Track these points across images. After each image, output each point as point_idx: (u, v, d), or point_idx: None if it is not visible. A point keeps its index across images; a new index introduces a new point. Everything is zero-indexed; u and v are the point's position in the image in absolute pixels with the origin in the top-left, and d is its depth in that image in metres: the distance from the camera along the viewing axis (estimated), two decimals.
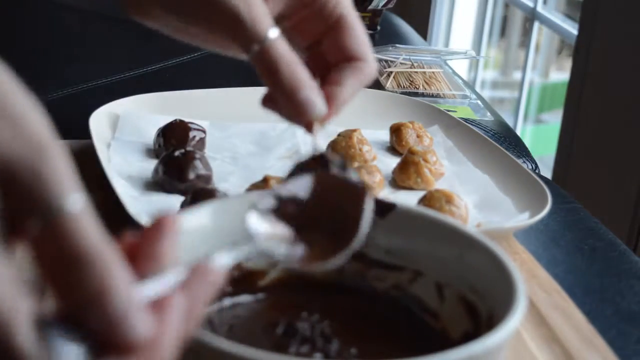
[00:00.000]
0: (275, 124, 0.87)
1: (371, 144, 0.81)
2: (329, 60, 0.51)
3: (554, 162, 2.21)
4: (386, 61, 1.30)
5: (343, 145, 0.79)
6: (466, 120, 1.04)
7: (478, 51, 3.02)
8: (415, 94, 1.18)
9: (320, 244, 0.43)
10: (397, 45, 1.39)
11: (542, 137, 3.19)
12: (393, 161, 0.80)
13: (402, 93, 1.13)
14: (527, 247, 0.69)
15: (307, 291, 0.50)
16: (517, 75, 3.36)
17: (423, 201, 0.68)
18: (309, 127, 0.48)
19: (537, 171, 1.03)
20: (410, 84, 1.23)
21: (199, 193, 0.64)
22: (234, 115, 0.86)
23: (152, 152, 0.79)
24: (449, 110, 0.95)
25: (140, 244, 0.33)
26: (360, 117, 0.86)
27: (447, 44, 3.16)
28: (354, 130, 0.80)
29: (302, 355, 0.44)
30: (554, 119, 3.15)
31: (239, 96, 0.88)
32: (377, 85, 1.19)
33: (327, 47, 0.51)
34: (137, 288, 0.31)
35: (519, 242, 0.69)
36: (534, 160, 1.06)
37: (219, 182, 0.73)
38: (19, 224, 0.30)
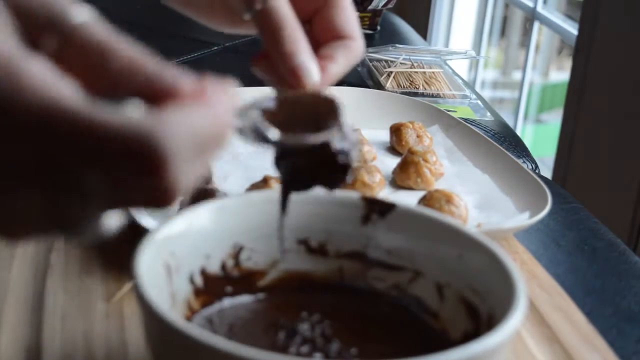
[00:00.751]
0: None
1: (371, 144, 0.81)
2: (318, 39, 0.51)
3: (554, 162, 2.22)
4: (386, 61, 1.30)
5: None
6: (466, 120, 1.04)
7: (478, 51, 3.02)
8: (415, 94, 1.18)
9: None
10: (397, 45, 1.39)
11: (542, 137, 3.19)
12: (393, 161, 0.80)
13: (402, 93, 1.13)
14: (527, 247, 0.68)
15: (307, 291, 0.50)
16: (517, 75, 3.36)
17: (423, 201, 0.68)
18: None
19: (537, 171, 1.03)
20: (410, 84, 1.23)
21: (199, 193, 0.64)
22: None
23: None
24: (449, 110, 0.95)
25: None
26: (360, 117, 0.86)
27: (447, 44, 3.16)
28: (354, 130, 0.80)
29: (302, 355, 0.44)
30: (554, 119, 3.15)
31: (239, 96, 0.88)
32: (377, 85, 1.19)
33: (317, 25, 0.51)
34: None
35: (519, 242, 0.69)
36: (534, 160, 1.06)
37: (219, 182, 0.73)
38: (35, 45, 0.33)
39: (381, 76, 1.23)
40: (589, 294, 0.65)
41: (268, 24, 0.47)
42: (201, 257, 0.48)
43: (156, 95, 0.33)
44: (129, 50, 0.33)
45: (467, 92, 1.23)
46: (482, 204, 0.74)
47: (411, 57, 1.32)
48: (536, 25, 2.60)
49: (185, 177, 0.32)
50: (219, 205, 0.48)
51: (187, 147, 0.31)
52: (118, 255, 0.60)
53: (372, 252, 0.51)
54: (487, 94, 3.36)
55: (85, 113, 0.30)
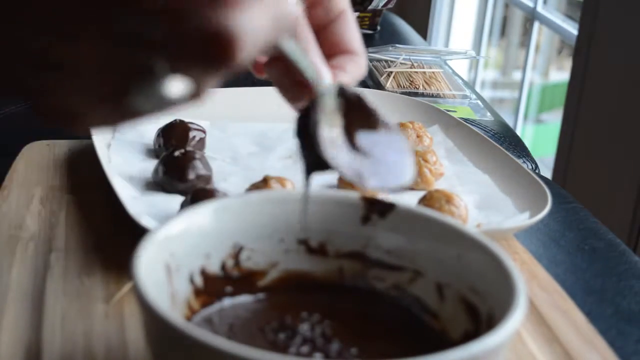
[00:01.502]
0: (276, 124, 0.87)
1: None
2: (325, 52, 0.52)
3: (554, 162, 2.22)
4: (386, 61, 1.30)
5: None
6: (466, 120, 1.04)
7: (478, 51, 3.02)
8: (415, 94, 1.18)
9: None
10: (397, 45, 1.39)
11: (542, 137, 3.19)
12: None
13: (402, 93, 1.13)
14: (527, 247, 0.69)
15: (307, 291, 0.50)
16: (517, 75, 3.36)
17: (423, 201, 0.68)
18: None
19: (537, 171, 1.03)
20: (410, 84, 1.23)
21: (199, 193, 0.64)
22: (234, 115, 0.86)
23: (152, 152, 0.79)
24: (449, 110, 0.95)
25: None
26: None
27: (447, 44, 3.16)
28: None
29: (302, 355, 0.44)
30: (554, 119, 3.15)
31: (239, 96, 0.88)
32: (377, 85, 1.19)
33: (325, 39, 0.52)
34: None
35: (519, 242, 0.69)
36: (534, 160, 1.06)
37: (219, 182, 0.73)
38: None
39: (381, 76, 1.23)
40: (589, 294, 0.65)
41: None
42: (201, 257, 0.48)
43: None
44: None
45: (467, 92, 1.23)
46: (482, 204, 0.74)
47: (411, 57, 1.32)
48: (536, 25, 2.60)
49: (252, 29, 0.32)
50: (219, 205, 0.48)
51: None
52: (118, 255, 0.61)
53: (372, 252, 0.51)
54: (487, 94, 3.36)
55: None
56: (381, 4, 1.50)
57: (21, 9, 0.31)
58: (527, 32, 2.80)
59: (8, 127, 0.84)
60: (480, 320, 0.45)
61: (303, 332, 0.45)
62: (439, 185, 0.76)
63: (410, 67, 1.29)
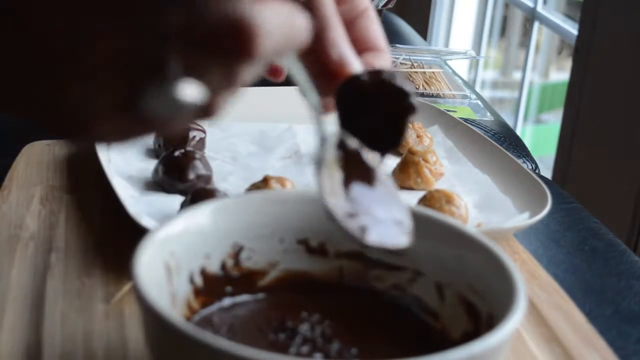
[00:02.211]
0: (275, 124, 0.87)
1: None
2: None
3: (554, 162, 2.22)
4: None
5: None
6: (466, 120, 1.04)
7: (478, 51, 3.02)
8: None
9: None
10: (397, 45, 1.39)
11: (542, 137, 3.19)
12: (393, 161, 0.80)
13: None
14: (527, 247, 0.69)
15: (307, 291, 0.50)
16: (517, 75, 3.36)
17: (423, 201, 0.68)
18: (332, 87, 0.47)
19: (537, 171, 1.03)
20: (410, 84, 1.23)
21: (199, 193, 0.64)
22: (234, 115, 0.86)
23: (152, 152, 0.79)
24: (449, 110, 0.95)
25: None
26: None
27: (447, 44, 3.16)
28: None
29: (302, 355, 0.44)
30: (554, 119, 3.15)
31: (239, 96, 0.88)
32: None
33: (350, 35, 0.52)
34: None
35: (519, 242, 0.69)
36: (534, 160, 1.06)
37: (219, 182, 0.73)
38: None
39: None
40: (588, 294, 0.65)
41: (318, 11, 0.47)
42: (201, 257, 0.48)
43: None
44: None
45: (467, 92, 1.23)
46: (482, 204, 0.74)
47: (411, 57, 1.32)
48: (536, 25, 2.60)
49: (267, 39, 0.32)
50: (219, 205, 0.48)
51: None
52: (118, 255, 0.61)
53: (372, 252, 0.50)
54: (487, 94, 3.36)
55: None
56: (381, 4, 1.50)
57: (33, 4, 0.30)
58: (527, 32, 2.80)
59: (8, 127, 0.84)
60: (480, 320, 0.45)
61: (303, 332, 0.45)
62: (439, 185, 0.76)
63: (410, 67, 1.29)
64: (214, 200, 0.49)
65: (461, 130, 0.87)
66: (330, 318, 0.47)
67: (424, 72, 1.28)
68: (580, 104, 2.06)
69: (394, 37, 1.60)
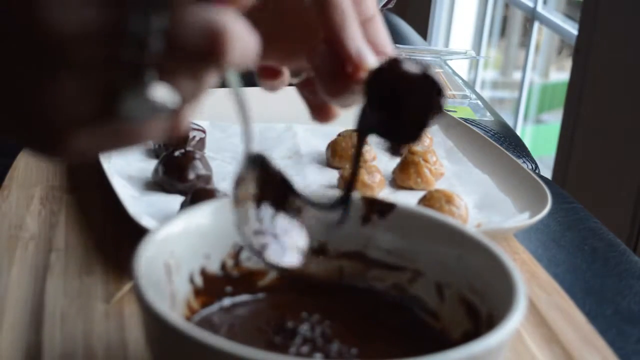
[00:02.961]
0: (276, 124, 0.87)
1: (371, 144, 0.81)
2: None
3: (554, 162, 2.21)
4: None
5: (343, 145, 0.79)
6: (466, 120, 1.04)
7: (478, 51, 3.02)
8: None
9: None
10: (397, 45, 1.39)
11: (542, 137, 3.19)
12: (393, 161, 0.80)
13: None
14: (527, 247, 0.68)
15: (307, 291, 0.50)
16: (517, 75, 3.36)
17: (423, 201, 0.68)
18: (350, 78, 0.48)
19: (537, 171, 1.03)
20: None
21: (199, 193, 0.64)
22: (234, 115, 0.86)
23: (152, 152, 0.79)
24: (449, 110, 0.95)
25: None
26: None
27: (447, 44, 3.16)
28: (354, 130, 0.80)
29: (302, 356, 0.44)
30: (554, 119, 3.15)
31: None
32: None
33: None
34: None
35: (519, 242, 0.69)
36: (534, 160, 1.06)
37: (219, 182, 0.73)
38: None
39: None
40: (588, 294, 0.65)
41: (336, 8, 0.47)
42: (201, 257, 0.48)
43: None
44: None
45: (467, 92, 1.23)
46: (482, 204, 0.74)
47: (411, 57, 1.32)
48: (536, 25, 2.60)
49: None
50: (219, 205, 0.48)
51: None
52: (118, 255, 0.61)
53: (372, 252, 0.50)
54: (487, 94, 3.36)
55: None
56: (381, 4, 1.50)
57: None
58: (527, 32, 2.80)
59: None
60: (480, 320, 0.45)
61: (303, 332, 0.45)
62: (439, 185, 0.76)
63: None
64: (214, 200, 0.49)
65: (461, 130, 0.87)
66: (330, 318, 0.47)
67: None
68: (580, 104, 2.06)
69: (394, 37, 1.60)
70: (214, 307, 0.48)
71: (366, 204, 0.50)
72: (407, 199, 0.73)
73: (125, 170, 0.74)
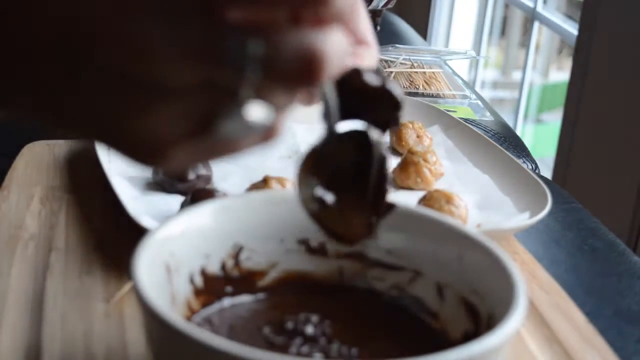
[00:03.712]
0: None
1: None
2: None
3: (554, 162, 2.22)
4: (386, 61, 1.30)
5: None
6: (466, 120, 1.04)
7: (478, 51, 3.02)
8: (415, 94, 1.18)
9: None
10: (397, 45, 1.39)
11: (542, 137, 3.19)
12: (393, 161, 0.80)
13: None
14: (527, 247, 0.68)
15: (307, 291, 0.50)
16: (517, 75, 3.37)
17: (423, 201, 0.68)
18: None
19: (537, 171, 1.03)
20: (410, 84, 1.23)
21: (199, 193, 0.64)
22: None
23: None
24: (449, 110, 0.95)
25: None
26: None
27: (447, 44, 3.16)
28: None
29: (302, 356, 0.44)
30: (554, 119, 3.15)
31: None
32: None
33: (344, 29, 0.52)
34: None
35: (519, 242, 0.69)
36: (534, 160, 1.06)
37: (219, 182, 0.73)
38: None
39: None
40: (589, 294, 0.65)
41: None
42: (201, 257, 0.48)
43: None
44: None
45: (467, 92, 1.23)
46: (482, 204, 0.74)
47: (411, 57, 1.32)
48: (536, 25, 2.60)
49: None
50: (219, 205, 0.48)
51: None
52: (118, 255, 0.61)
53: (372, 252, 0.50)
54: (487, 94, 3.36)
55: None
56: (381, 4, 1.50)
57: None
58: (527, 32, 2.80)
59: (8, 127, 0.84)
60: (480, 320, 0.45)
61: (303, 332, 0.45)
62: (439, 185, 0.76)
63: (410, 67, 1.29)
64: (214, 200, 0.49)
65: (461, 130, 0.87)
66: (330, 318, 0.47)
67: (424, 72, 1.28)
68: (580, 104, 2.06)
69: (394, 37, 1.60)
70: (214, 307, 0.48)
71: None
72: (407, 199, 0.73)
73: (126, 170, 0.74)
